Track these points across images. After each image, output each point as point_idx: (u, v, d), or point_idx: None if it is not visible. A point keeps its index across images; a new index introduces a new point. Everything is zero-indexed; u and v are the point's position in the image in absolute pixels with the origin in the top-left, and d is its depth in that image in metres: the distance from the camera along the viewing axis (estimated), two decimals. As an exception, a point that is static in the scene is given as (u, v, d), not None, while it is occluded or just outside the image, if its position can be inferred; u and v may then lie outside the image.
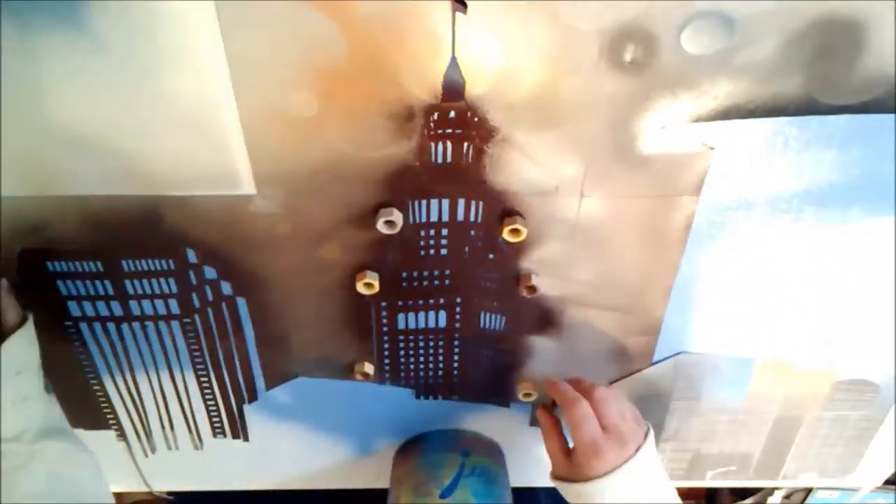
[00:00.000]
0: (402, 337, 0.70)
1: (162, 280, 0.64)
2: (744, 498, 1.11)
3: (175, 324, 0.67)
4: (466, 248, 0.63)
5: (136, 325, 0.67)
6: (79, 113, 0.52)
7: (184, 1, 0.47)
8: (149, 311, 0.66)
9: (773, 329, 0.70)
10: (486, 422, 0.79)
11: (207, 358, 0.71)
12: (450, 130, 0.55)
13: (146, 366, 0.71)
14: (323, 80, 0.51)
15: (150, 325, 0.67)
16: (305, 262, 0.63)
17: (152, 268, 0.63)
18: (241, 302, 0.66)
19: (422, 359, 0.73)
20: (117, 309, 0.66)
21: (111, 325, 0.67)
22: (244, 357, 0.71)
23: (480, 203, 0.60)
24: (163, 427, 0.78)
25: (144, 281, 0.64)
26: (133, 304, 0.66)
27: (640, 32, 0.49)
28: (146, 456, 0.81)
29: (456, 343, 0.71)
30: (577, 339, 0.70)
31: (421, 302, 0.67)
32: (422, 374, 0.74)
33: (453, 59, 0.51)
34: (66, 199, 0.58)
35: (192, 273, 0.63)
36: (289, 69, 0.51)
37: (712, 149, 0.56)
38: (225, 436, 0.79)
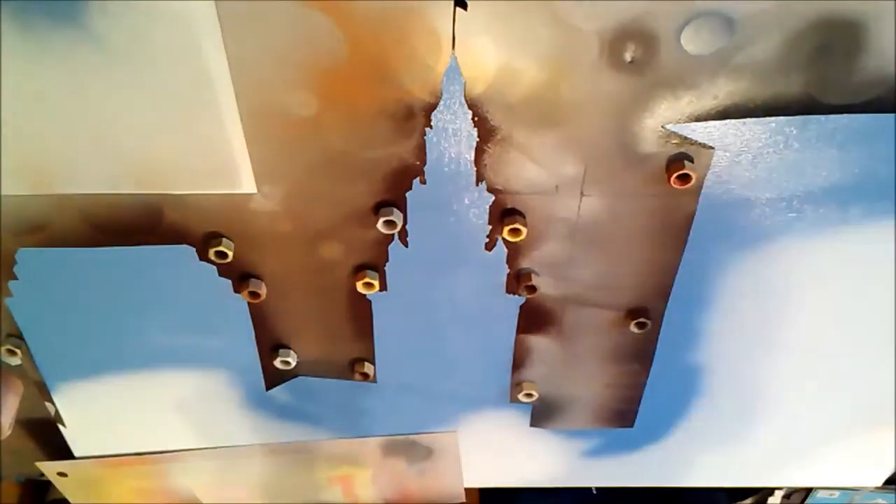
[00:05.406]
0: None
1: (162, 280, 0.64)
2: (744, 498, 1.11)
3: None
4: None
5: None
6: (79, 113, 0.52)
7: (184, 1, 0.47)
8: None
9: (773, 329, 0.70)
10: (486, 422, 0.79)
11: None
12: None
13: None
14: (323, 80, 0.51)
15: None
16: (306, 260, 0.63)
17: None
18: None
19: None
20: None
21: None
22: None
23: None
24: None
25: (144, 280, 0.64)
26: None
27: (640, 32, 0.49)
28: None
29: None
30: (577, 339, 0.71)
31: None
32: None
33: (453, 58, 0.51)
34: (66, 199, 0.58)
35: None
36: (289, 69, 0.51)
37: (712, 149, 0.56)
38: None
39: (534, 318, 0.69)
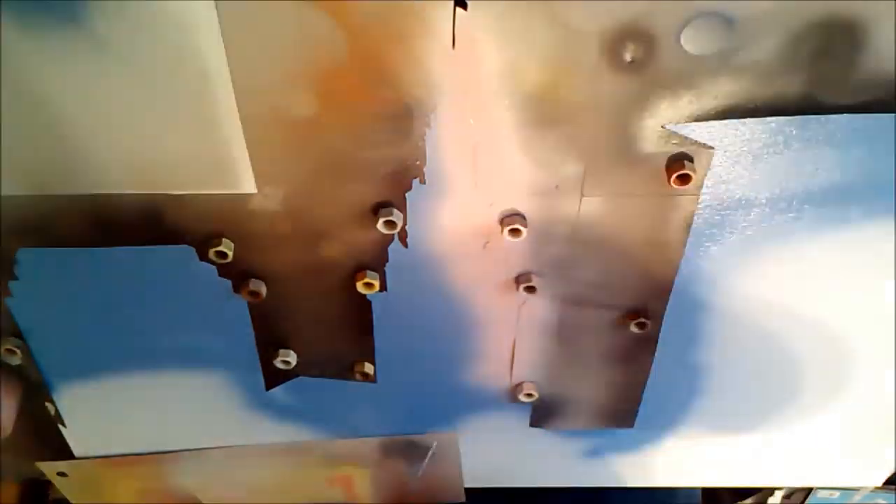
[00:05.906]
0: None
1: (162, 280, 0.64)
2: (744, 498, 1.11)
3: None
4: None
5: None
6: (79, 112, 0.52)
7: (184, 1, 0.47)
8: (149, 310, 0.66)
9: (773, 329, 0.70)
10: (486, 422, 0.79)
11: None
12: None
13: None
14: (323, 80, 0.51)
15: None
16: (306, 261, 0.63)
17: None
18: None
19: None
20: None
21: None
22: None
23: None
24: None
25: (144, 280, 0.64)
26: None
27: (640, 32, 0.49)
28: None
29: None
30: (578, 339, 0.70)
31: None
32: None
33: (453, 58, 0.50)
34: (66, 199, 0.58)
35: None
36: (289, 69, 0.51)
37: (712, 149, 0.56)
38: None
39: (534, 318, 0.69)
